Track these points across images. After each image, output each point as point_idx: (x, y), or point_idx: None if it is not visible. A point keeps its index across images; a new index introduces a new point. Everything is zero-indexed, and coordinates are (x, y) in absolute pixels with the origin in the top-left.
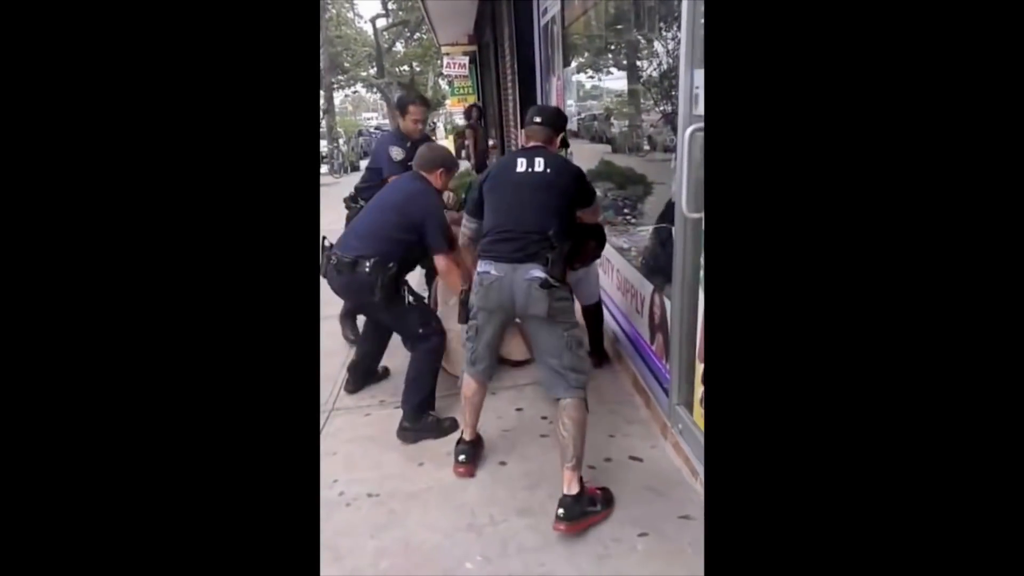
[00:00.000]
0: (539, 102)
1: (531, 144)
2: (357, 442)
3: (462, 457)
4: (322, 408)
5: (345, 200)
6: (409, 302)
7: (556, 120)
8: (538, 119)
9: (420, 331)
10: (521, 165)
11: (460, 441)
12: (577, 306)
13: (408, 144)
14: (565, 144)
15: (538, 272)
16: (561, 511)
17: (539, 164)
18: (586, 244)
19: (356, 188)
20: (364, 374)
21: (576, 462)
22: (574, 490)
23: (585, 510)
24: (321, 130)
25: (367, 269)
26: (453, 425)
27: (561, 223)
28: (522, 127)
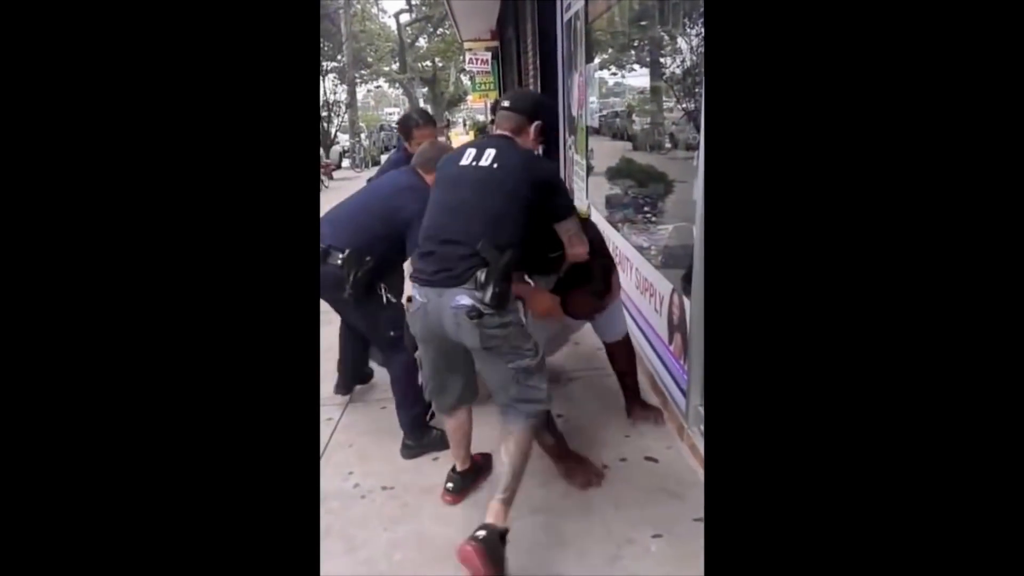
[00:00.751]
0: (561, 98)
1: (496, 133)
2: (373, 435)
3: (450, 485)
4: (339, 399)
5: None
6: (388, 300)
7: (530, 106)
8: (505, 103)
9: (391, 334)
10: (467, 157)
11: (452, 469)
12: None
13: None
14: (542, 133)
15: (464, 299)
16: (482, 533)
17: (487, 157)
18: (573, 293)
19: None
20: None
21: (509, 495)
22: (499, 523)
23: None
24: (343, 124)
25: (339, 262)
26: None
27: (501, 233)
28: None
